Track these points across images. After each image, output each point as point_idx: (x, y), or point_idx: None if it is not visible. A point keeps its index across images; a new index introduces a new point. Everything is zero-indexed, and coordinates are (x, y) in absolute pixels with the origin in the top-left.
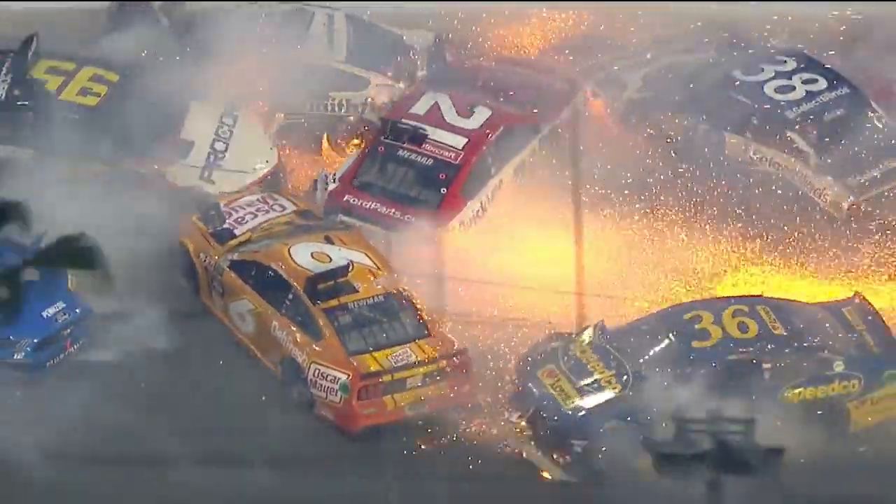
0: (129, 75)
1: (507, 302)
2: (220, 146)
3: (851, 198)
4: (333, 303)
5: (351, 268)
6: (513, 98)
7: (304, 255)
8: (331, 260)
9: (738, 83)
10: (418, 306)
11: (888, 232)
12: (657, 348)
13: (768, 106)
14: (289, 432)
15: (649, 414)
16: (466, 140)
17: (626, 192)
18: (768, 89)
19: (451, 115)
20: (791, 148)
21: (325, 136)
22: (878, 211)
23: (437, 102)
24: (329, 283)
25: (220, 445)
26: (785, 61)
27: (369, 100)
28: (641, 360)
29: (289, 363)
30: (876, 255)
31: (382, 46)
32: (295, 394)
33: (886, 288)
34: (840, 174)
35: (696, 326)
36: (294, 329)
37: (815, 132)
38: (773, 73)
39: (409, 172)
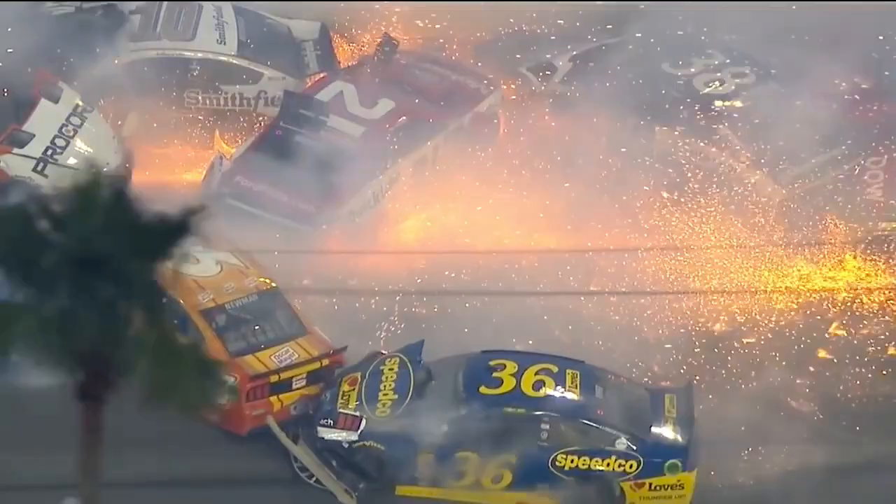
0: None
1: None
2: (60, 142)
3: (783, 191)
4: (209, 304)
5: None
6: (423, 94)
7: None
8: (199, 260)
9: (667, 76)
10: (291, 303)
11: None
12: (444, 384)
13: (698, 99)
14: None
15: (393, 440)
16: (364, 129)
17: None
18: (698, 83)
19: (353, 105)
20: (721, 141)
21: (216, 132)
22: (809, 203)
23: (342, 91)
24: None
25: None
26: (714, 54)
27: (262, 93)
28: (426, 392)
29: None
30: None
31: (272, 38)
32: None
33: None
34: (772, 167)
35: (494, 374)
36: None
37: (745, 126)
38: (703, 67)
39: (303, 158)
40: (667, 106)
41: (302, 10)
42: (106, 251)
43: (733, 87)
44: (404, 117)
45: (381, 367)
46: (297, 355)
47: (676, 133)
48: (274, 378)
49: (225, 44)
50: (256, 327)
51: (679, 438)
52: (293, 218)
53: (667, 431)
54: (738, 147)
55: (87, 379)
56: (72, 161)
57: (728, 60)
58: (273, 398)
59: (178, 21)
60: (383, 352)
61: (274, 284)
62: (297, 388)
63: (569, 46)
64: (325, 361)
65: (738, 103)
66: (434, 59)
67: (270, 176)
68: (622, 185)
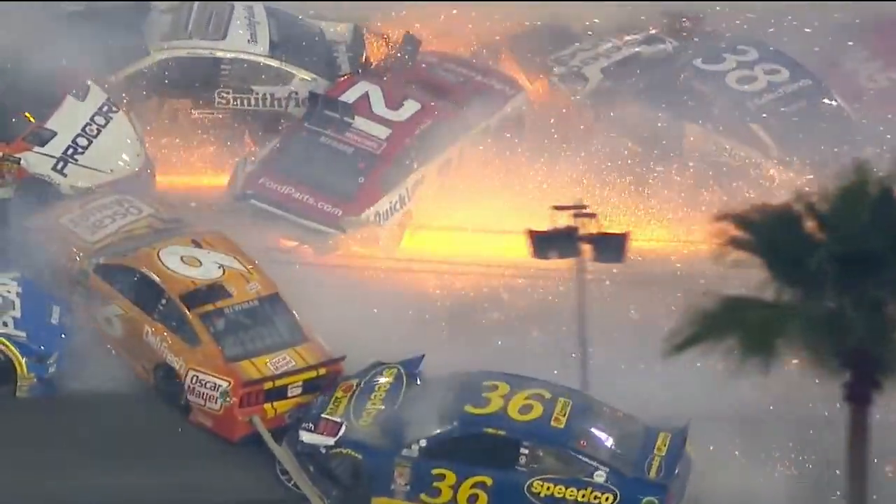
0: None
1: None
2: (82, 141)
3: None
4: (208, 308)
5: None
6: (448, 96)
7: (174, 259)
8: (201, 264)
9: (699, 72)
10: (292, 310)
11: None
12: (432, 401)
13: (730, 96)
14: None
15: (371, 449)
16: (390, 131)
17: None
18: (730, 79)
19: (378, 106)
20: (753, 139)
21: (245, 133)
22: None
23: (367, 92)
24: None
25: None
26: (747, 51)
27: (293, 94)
28: (413, 406)
29: (163, 369)
30: None
31: (304, 39)
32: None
33: None
34: (803, 167)
35: (484, 394)
36: (168, 335)
37: (777, 124)
38: (735, 64)
39: (329, 159)
40: (698, 103)
41: (331, 9)
42: (874, 250)
43: (765, 84)
44: (430, 119)
45: (378, 378)
46: (294, 363)
47: (708, 131)
48: (269, 385)
49: (256, 43)
50: (254, 333)
51: (662, 477)
52: (319, 221)
53: (651, 467)
54: (769, 145)
55: (854, 379)
56: (91, 161)
57: (760, 57)
58: (267, 405)
59: (209, 20)
60: (384, 361)
61: (276, 290)
62: (293, 397)
63: (600, 55)
64: (323, 371)
65: (770, 100)
66: (458, 60)
67: (295, 178)
68: (651, 185)
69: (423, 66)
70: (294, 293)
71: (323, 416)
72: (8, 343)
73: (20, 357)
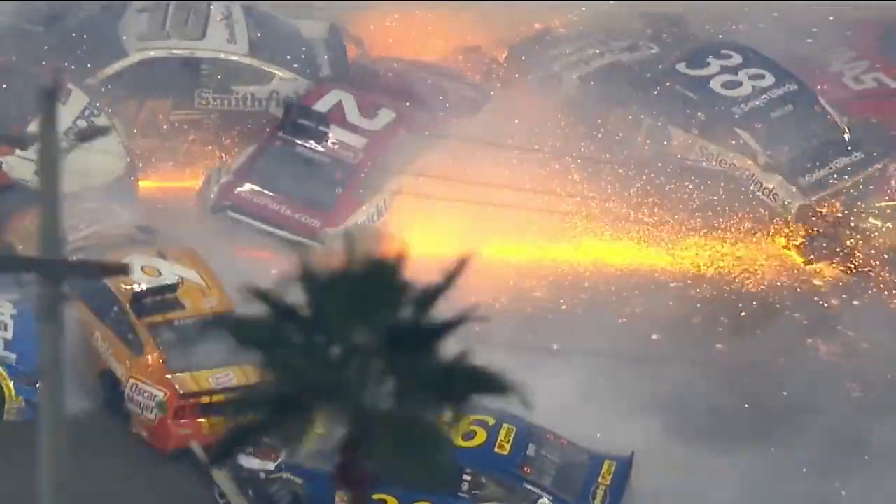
0: None
1: None
2: (64, 145)
3: (801, 197)
4: (158, 318)
5: (180, 283)
6: (420, 103)
7: (134, 269)
8: (160, 274)
9: (683, 77)
10: None
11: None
12: None
13: (715, 101)
14: None
15: (312, 476)
16: (367, 140)
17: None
18: (714, 84)
19: (353, 115)
20: (738, 145)
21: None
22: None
23: (340, 101)
24: (155, 298)
25: None
26: (731, 55)
27: (274, 94)
28: None
29: (107, 376)
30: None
31: (282, 38)
32: None
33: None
34: (789, 173)
35: None
36: (116, 342)
37: (762, 129)
38: (719, 68)
39: (305, 169)
40: (683, 108)
41: (302, 8)
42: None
43: (751, 89)
44: (405, 127)
45: None
46: (236, 380)
47: (693, 135)
48: (205, 399)
49: (236, 43)
50: (202, 348)
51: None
52: (297, 232)
53: (595, 497)
54: (756, 150)
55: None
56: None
57: (745, 61)
58: (203, 420)
59: (187, 20)
60: None
61: (232, 308)
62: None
63: (581, 61)
64: None
65: (755, 105)
66: (427, 67)
67: (272, 188)
68: (633, 189)
69: (392, 72)
70: None
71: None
72: None
73: (8, 379)
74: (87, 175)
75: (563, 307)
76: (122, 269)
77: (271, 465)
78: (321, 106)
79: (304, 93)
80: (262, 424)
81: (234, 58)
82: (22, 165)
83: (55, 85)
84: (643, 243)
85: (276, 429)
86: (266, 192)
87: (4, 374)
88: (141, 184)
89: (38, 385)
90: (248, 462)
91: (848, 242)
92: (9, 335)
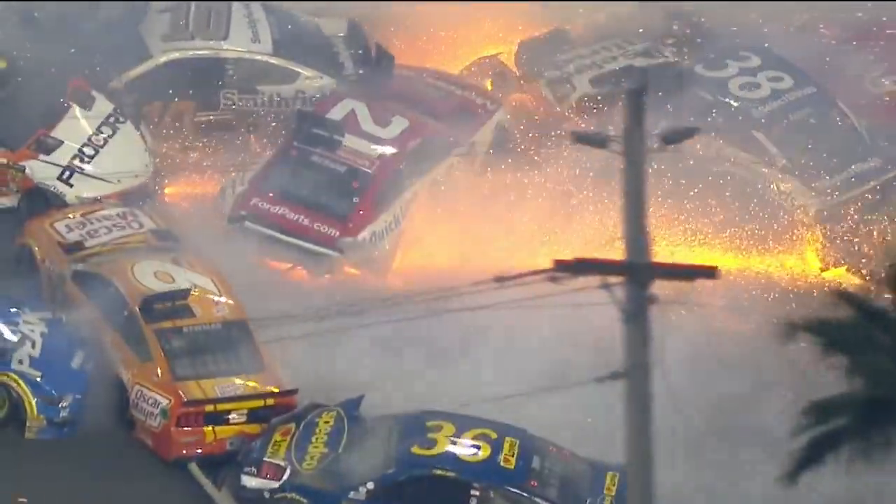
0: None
1: None
2: (88, 151)
3: (818, 201)
4: (167, 325)
5: (193, 290)
6: (433, 111)
7: (147, 274)
8: (173, 280)
9: (700, 79)
10: (256, 339)
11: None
12: (376, 442)
13: (733, 103)
14: None
15: (316, 494)
16: (382, 149)
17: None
18: (733, 86)
19: (367, 124)
20: (755, 148)
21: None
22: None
23: (353, 109)
24: (165, 304)
25: None
26: (749, 57)
27: (300, 93)
28: (357, 448)
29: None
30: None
31: (305, 37)
32: None
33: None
34: (807, 177)
35: (429, 435)
36: (124, 347)
37: (780, 132)
38: (738, 70)
39: (322, 179)
40: (700, 110)
41: (323, 8)
42: None
43: (769, 92)
44: (420, 136)
45: (317, 420)
46: (242, 390)
47: (709, 138)
48: (209, 408)
49: (259, 42)
50: (210, 356)
51: None
52: (316, 242)
53: None
54: (772, 153)
55: None
56: (98, 171)
57: (763, 63)
58: (207, 429)
59: (209, 20)
60: (321, 403)
61: (244, 317)
62: (235, 423)
63: (591, 65)
64: (271, 401)
65: (773, 107)
66: (436, 74)
67: (288, 198)
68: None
69: (403, 80)
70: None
71: (265, 459)
72: (20, 381)
73: (31, 397)
74: (113, 181)
75: None
76: (710, 273)
77: (275, 484)
78: (335, 115)
79: (316, 102)
80: (846, 431)
81: (259, 57)
82: (45, 170)
83: None
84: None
85: (863, 436)
86: (282, 201)
87: (28, 391)
88: (166, 190)
89: (60, 405)
90: (252, 482)
91: (865, 249)
92: (36, 352)
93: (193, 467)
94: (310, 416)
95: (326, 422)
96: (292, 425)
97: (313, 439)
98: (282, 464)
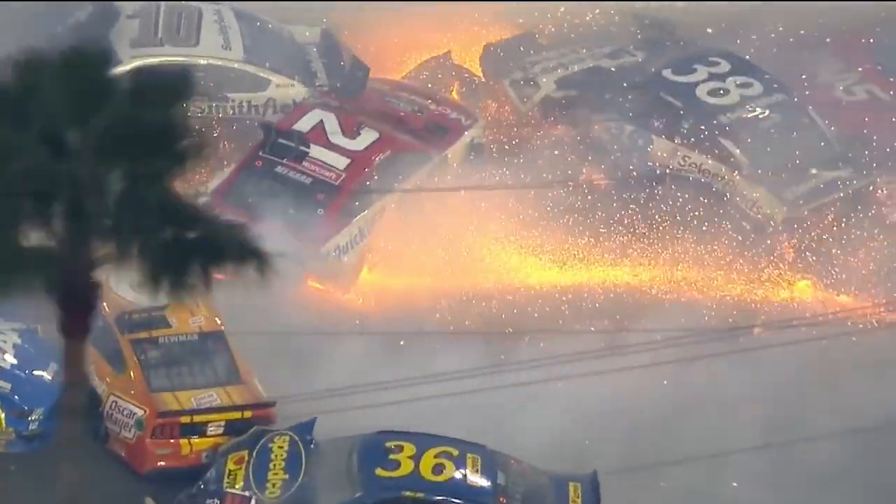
0: None
1: None
2: None
3: (786, 209)
4: (141, 335)
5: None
6: (405, 124)
7: (122, 284)
8: None
9: (668, 83)
10: (233, 351)
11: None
12: (337, 465)
13: (700, 109)
14: None
15: None
16: (349, 161)
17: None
18: (700, 92)
19: (335, 135)
20: (723, 155)
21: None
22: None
23: (322, 120)
24: (141, 315)
25: None
26: (719, 62)
27: (271, 101)
28: (318, 473)
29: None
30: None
31: (276, 44)
32: None
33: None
34: (774, 185)
35: (391, 456)
36: (98, 358)
37: (748, 139)
38: (707, 75)
39: (286, 190)
40: (666, 116)
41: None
42: None
43: (738, 98)
44: (388, 149)
45: (270, 445)
46: (219, 401)
47: (675, 144)
48: (185, 419)
49: (230, 49)
50: (186, 367)
51: None
52: (280, 255)
53: None
54: (740, 160)
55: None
56: None
57: (733, 69)
58: (184, 441)
59: (179, 25)
60: (269, 429)
61: (221, 328)
62: (212, 435)
63: (558, 66)
64: (248, 413)
65: (742, 114)
66: (410, 89)
67: (252, 209)
68: (616, 202)
69: (375, 93)
70: None
71: (227, 490)
72: None
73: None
74: None
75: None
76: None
77: None
78: (302, 125)
79: (283, 112)
80: None
81: (230, 64)
82: None
83: None
84: (620, 256)
85: None
86: (246, 213)
87: None
88: None
89: (30, 418)
90: None
91: (832, 257)
92: (6, 364)
93: (150, 502)
94: (261, 441)
95: (280, 447)
96: (245, 452)
97: (271, 465)
98: (246, 494)
